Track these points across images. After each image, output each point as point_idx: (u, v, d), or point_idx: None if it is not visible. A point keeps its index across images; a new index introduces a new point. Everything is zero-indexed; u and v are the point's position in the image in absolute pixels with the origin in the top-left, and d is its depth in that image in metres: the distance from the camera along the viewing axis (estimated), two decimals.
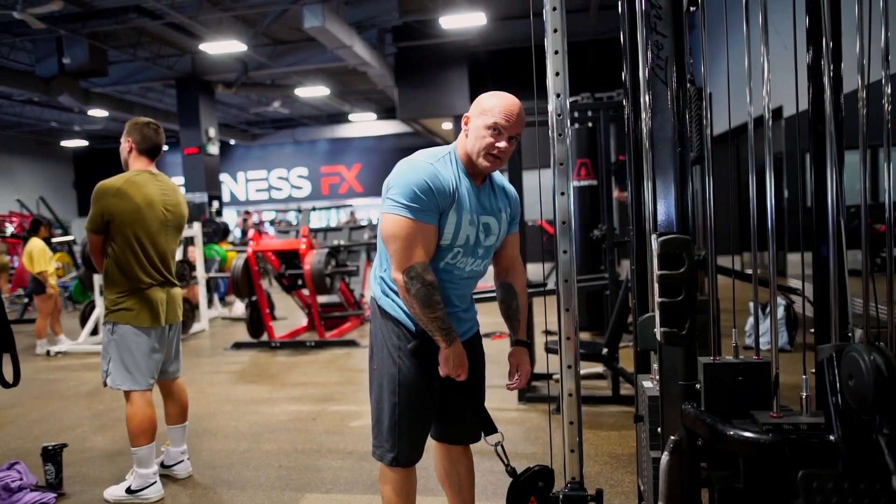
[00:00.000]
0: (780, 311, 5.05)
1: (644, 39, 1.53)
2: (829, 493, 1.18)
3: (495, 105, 1.76)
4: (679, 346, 1.48)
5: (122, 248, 2.76)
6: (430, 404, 1.89)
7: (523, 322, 2.01)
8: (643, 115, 1.75)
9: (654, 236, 1.49)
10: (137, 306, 2.77)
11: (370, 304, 1.97)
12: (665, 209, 1.51)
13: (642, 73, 1.59)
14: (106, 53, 11.56)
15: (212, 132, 14.45)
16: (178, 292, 2.97)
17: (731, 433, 1.34)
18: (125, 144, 2.88)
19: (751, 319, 5.30)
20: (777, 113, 6.42)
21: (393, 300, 1.86)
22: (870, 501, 1.17)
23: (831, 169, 1.48)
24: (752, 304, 5.35)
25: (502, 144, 1.76)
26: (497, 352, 4.37)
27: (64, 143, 20.85)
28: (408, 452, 1.88)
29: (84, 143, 20.69)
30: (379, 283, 1.90)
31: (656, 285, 1.46)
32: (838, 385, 1.24)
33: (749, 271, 6.22)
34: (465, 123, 1.81)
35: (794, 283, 6.55)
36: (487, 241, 1.87)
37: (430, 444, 2.03)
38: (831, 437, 1.25)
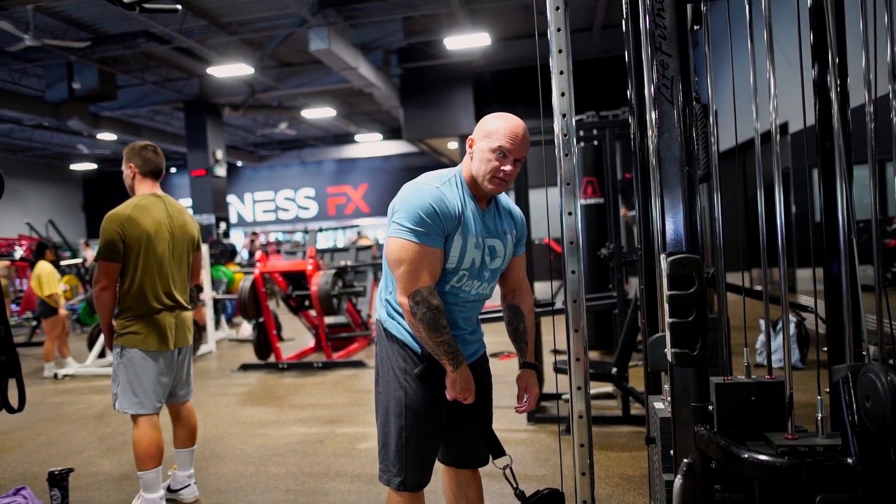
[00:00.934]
0: (791, 329, 5.00)
1: (649, 58, 1.53)
2: None
3: (500, 128, 1.75)
4: (691, 366, 1.46)
5: (131, 273, 2.77)
6: (437, 428, 1.87)
7: (531, 344, 1.99)
8: (649, 134, 1.75)
9: (663, 256, 1.48)
10: (145, 330, 2.77)
11: (376, 325, 1.95)
12: (674, 228, 1.50)
13: (648, 92, 1.59)
14: (115, 78, 11.74)
15: (219, 154, 14.59)
16: (188, 316, 2.97)
17: (746, 456, 1.31)
18: (128, 171, 2.90)
19: (761, 337, 5.25)
20: (782, 129, 6.42)
21: (398, 322, 1.85)
22: None
23: (841, 184, 1.47)
24: (761, 322, 5.29)
25: (507, 168, 1.75)
26: (504, 371, 4.33)
27: (73, 167, 21.08)
28: (415, 477, 1.85)
29: (93, 166, 20.92)
30: (384, 305, 1.89)
31: (666, 305, 1.44)
32: (855, 406, 1.22)
33: (757, 288, 6.17)
34: (470, 146, 1.81)
35: (804, 299, 6.49)
36: (493, 264, 1.86)
37: (439, 467, 2.01)
38: (849, 460, 1.23)
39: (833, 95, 1.49)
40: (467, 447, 1.99)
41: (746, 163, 8.14)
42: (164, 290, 2.83)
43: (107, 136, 14.82)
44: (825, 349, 1.61)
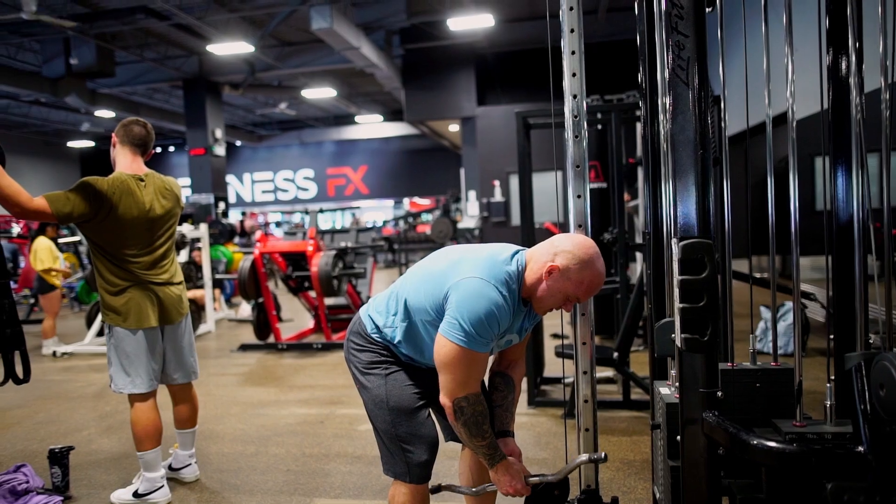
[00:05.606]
0: (790, 317, 5.00)
1: (664, 40, 1.50)
2: None
3: (591, 283, 1.68)
4: (700, 352, 1.45)
5: (108, 247, 2.67)
6: (425, 418, 1.86)
7: (513, 414, 2.01)
8: (661, 117, 1.72)
9: (675, 240, 1.46)
10: (125, 308, 2.70)
11: (356, 330, 1.92)
12: (686, 213, 1.48)
13: (661, 75, 1.56)
14: (113, 54, 11.61)
15: (218, 133, 14.48)
16: (175, 292, 2.85)
17: (755, 442, 1.30)
18: (112, 144, 2.82)
19: (761, 324, 5.26)
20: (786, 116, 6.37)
21: (381, 334, 1.85)
22: None
23: (857, 172, 1.45)
24: (763, 309, 5.30)
25: (567, 309, 1.74)
26: None
27: (70, 144, 20.94)
28: (419, 470, 1.85)
29: (91, 143, 20.78)
30: (375, 323, 1.87)
31: (676, 290, 1.43)
32: (868, 394, 1.21)
33: (760, 275, 6.17)
34: (552, 271, 1.67)
35: (805, 287, 6.49)
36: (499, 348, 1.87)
37: (456, 450, 2.00)
38: (860, 448, 1.22)
39: (852, 81, 1.47)
40: None
41: (754, 149, 8.10)
42: (144, 264, 2.74)
43: (105, 113, 14.71)
44: (831, 337, 1.60)
